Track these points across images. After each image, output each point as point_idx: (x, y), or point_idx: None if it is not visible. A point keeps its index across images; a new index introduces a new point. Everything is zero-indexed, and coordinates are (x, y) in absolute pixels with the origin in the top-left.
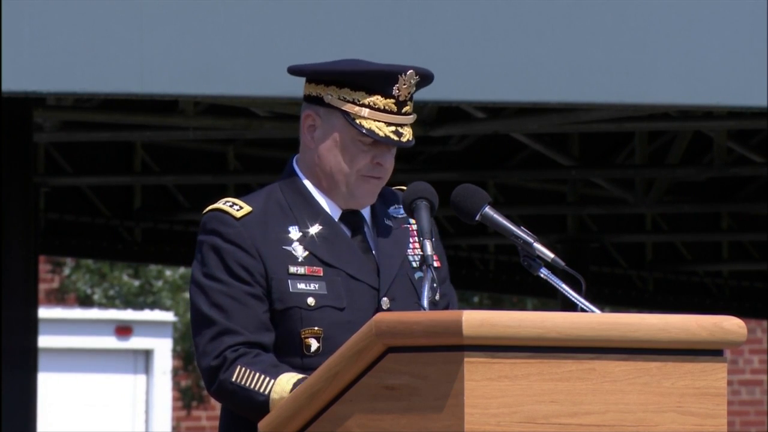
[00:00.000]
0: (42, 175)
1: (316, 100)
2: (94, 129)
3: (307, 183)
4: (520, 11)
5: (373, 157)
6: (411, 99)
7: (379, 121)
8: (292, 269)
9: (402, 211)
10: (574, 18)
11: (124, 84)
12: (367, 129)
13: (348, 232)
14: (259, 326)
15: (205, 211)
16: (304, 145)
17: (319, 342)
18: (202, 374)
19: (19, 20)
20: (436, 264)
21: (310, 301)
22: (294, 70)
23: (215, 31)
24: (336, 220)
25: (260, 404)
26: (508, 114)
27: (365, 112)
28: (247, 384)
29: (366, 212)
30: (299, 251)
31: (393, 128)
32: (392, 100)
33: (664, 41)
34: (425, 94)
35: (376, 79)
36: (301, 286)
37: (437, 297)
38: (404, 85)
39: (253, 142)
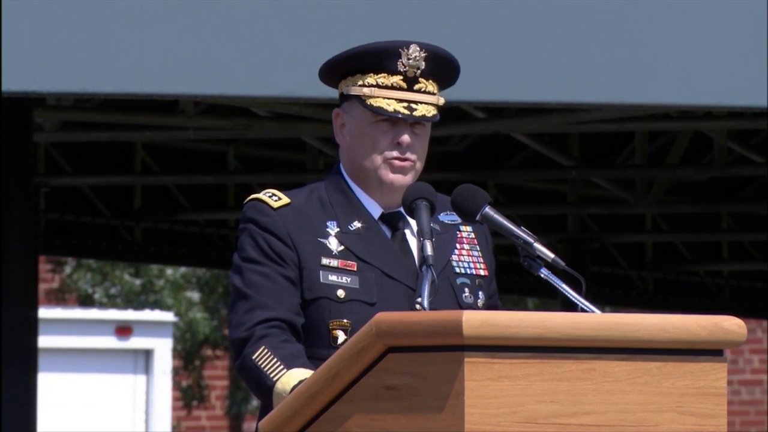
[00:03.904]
0: (42, 175)
1: (341, 98)
2: (94, 129)
3: (350, 182)
4: (520, 11)
5: (394, 137)
6: (428, 77)
7: (389, 98)
8: (325, 261)
9: (455, 217)
10: (574, 18)
11: (124, 84)
12: (376, 107)
13: (388, 232)
14: (291, 306)
15: (246, 201)
16: (340, 145)
17: (346, 334)
18: (232, 347)
19: (19, 20)
20: (484, 273)
21: (340, 293)
22: (319, 76)
23: (215, 31)
24: (376, 219)
25: (266, 388)
26: (508, 114)
27: (375, 91)
28: (262, 365)
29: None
30: (334, 245)
31: (404, 104)
32: (399, 77)
33: (664, 41)
34: None
35: (377, 57)
36: (333, 278)
37: (480, 304)
38: (409, 60)
39: (253, 142)
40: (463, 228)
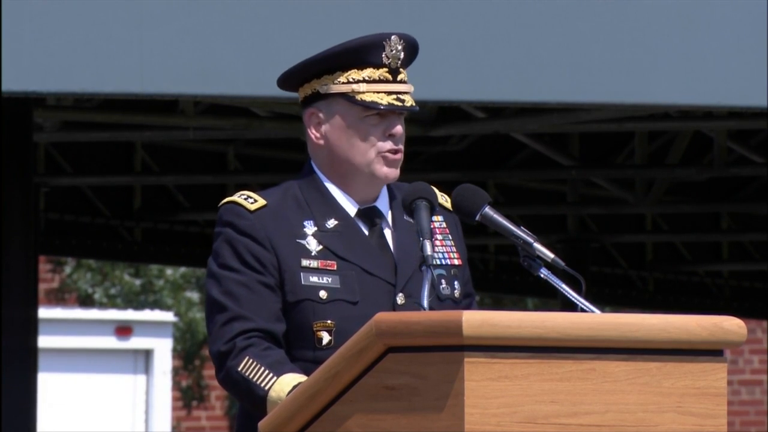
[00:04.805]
0: (42, 175)
1: (313, 98)
2: (94, 129)
3: (325, 180)
4: (520, 11)
5: (385, 129)
6: (404, 66)
7: (378, 92)
8: (305, 262)
9: None
10: (574, 18)
11: (124, 84)
12: (369, 102)
13: (365, 229)
14: (270, 315)
15: (220, 204)
16: (314, 144)
17: (331, 335)
18: (212, 360)
19: (19, 20)
20: (458, 262)
21: (322, 294)
22: (282, 79)
23: (215, 31)
24: (352, 216)
25: (258, 399)
26: (508, 114)
27: (362, 86)
28: (251, 376)
29: (385, 208)
30: (313, 245)
31: (393, 96)
32: (385, 69)
33: (664, 41)
34: (425, 94)
35: (362, 52)
36: (314, 279)
37: (457, 294)
38: (392, 51)
39: (253, 142)
40: (434, 218)
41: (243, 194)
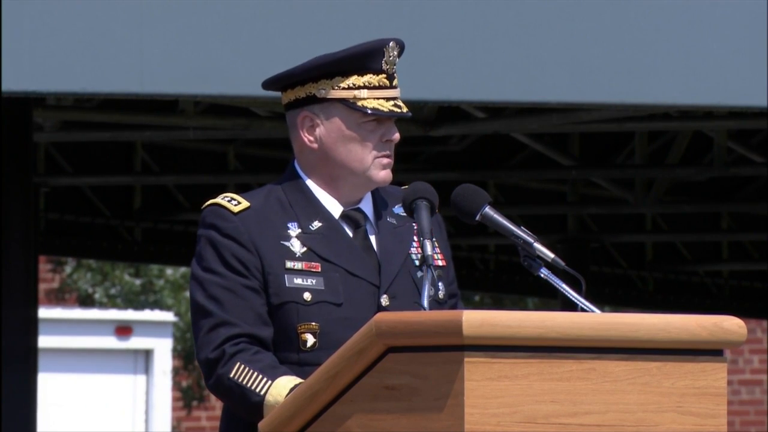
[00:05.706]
0: (42, 175)
1: (307, 101)
2: (94, 129)
3: (309, 182)
4: (520, 11)
5: (382, 135)
6: (395, 72)
7: (378, 98)
8: (289, 264)
9: None
10: (574, 18)
11: (124, 84)
12: (371, 108)
13: (349, 230)
14: (256, 319)
15: (204, 206)
16: (303, 146)
17: (315, 337)
18: (200, 366)
19: (19, 20)
20: (442, 263)
21: (306, 296)
22: (274, 80)
23: (215, 31)
24: (336, 217)
25: (255, 404)
26: (508, 114)
27: (364, 93)
28: (245, 382)
29: (369, 210)
30: (297, 247)
31: (392, 102)
32: (383, 75)
33: (664, 41)
34: (425, 94)
35: (365, 58)
36: (298, 281)
37: (441, 295)
38: (390, 57)
39: (253, 142)
40: None
41: (226, 196)
